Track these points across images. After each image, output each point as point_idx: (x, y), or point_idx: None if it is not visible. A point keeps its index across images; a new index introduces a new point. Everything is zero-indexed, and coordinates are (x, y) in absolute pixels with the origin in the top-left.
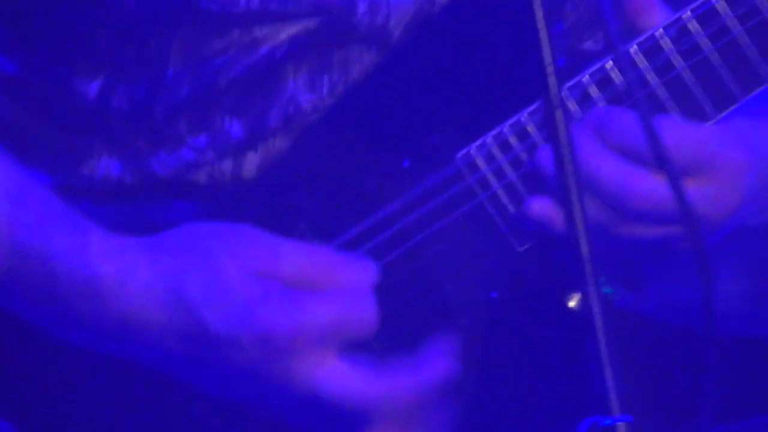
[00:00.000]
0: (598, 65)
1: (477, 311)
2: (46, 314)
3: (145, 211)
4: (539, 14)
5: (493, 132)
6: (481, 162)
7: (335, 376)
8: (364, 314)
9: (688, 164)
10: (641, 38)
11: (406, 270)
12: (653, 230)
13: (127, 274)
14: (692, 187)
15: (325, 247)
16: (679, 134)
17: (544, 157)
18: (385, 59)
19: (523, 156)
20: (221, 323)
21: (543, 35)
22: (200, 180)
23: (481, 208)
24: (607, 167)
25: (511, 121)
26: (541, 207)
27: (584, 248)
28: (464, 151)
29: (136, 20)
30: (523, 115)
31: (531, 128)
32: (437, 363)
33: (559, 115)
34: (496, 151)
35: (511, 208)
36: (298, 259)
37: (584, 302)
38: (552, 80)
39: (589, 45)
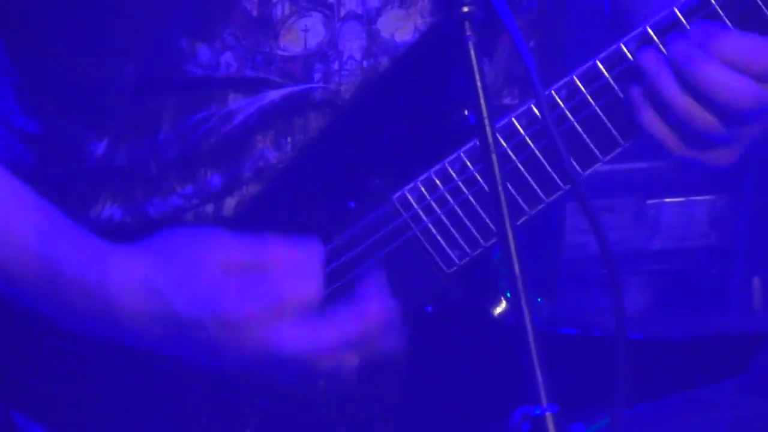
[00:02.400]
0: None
1: (415, 324)
2: (49, 308)
3: None
4: (477, 74)
5: (423, 176)
6: (413, 201)
7: (287, 336)
8: (307, 289)
9: None
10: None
11: (352, 293)
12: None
13: (113, 273)
14: None
15: (279, 238)
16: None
17: (644, 58)
18: (335, 119)
19: (448, 196)
20: (188, 310)
21: (478, 83)
22: (187, 220)
23: (414, 238)
24: (714, 70)
25: (437, 167)
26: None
27: (516, 264)
28: (399, 192)
29: (135, 90)
30: (446, 162)
31: (453, 173)
32: (370, 302)
33: (493, 150)
34: (425, 192)
35: (440, 239)
36: (253, 250)
37: (517, 310)
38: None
39: (506, 101)
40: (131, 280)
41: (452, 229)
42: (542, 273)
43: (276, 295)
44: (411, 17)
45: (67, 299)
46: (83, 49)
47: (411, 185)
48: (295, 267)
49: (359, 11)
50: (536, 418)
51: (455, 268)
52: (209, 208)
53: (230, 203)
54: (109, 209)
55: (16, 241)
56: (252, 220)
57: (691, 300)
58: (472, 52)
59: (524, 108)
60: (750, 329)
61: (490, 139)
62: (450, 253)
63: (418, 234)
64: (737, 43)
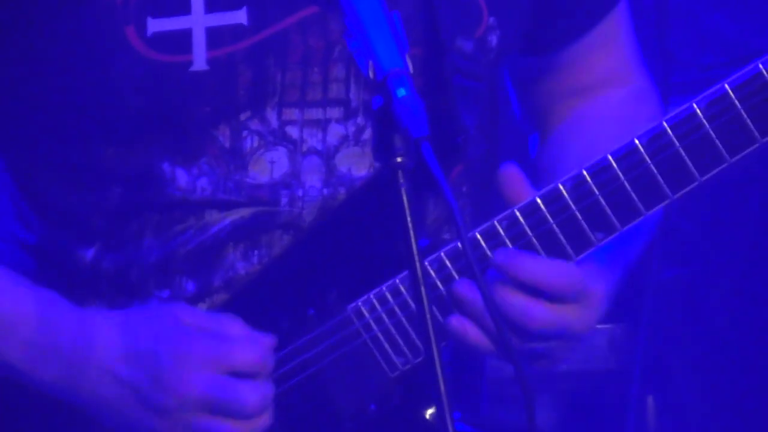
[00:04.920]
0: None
1: (360, 420)
2: (28, 365)
3: None
4: (407, 213)
5: (375, 290)
6: (365, 312)
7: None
8: (255, 354)
9: (572, 295)
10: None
11: (306, 390)
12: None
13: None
14: (574, 311)
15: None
16: (567, 273)
17: (461, 286)
18: (299, 239)
19: (396, 308)
20: (148, 344)
21: (409, 225)
22: None
23: (364, 344)
24: (512, 299)
25: (388, 283)
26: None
27: (439, 373)
28: (354, 303)
29: (120, 207)
30: (397, 279)
31: (402, 288)
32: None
33: (420, 275)
34: (377, 304)
35: (387, 346)
36: (214, 321)
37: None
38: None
39: (446, 236)
40: (109, 332)
41: (398, 338)
42: (468, 390)
43: (228, 349)
44: (366, 155)
45: (46, 361)
46: (74, 172)
47: (364, 297)
48: (248, 338)
49: (319, 147)
50: None
51: (398, 372)
52: None
53: (201, 307)
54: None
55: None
56: None
57: (594, 416)
58: (405, 198)
59: (453, 244)
60: None
61: (420, 278)
62: (395, 359)
63: (368, 341)
64: (533, 268)
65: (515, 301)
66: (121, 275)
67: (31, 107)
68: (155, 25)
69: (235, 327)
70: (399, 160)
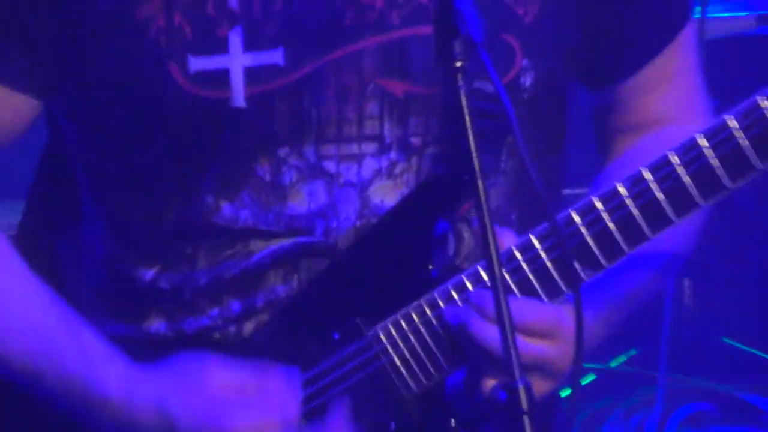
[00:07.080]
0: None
1: None
2: (78, 416)
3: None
4: (467, 114)
5: (391, 318)
6: (383, 337)
7: None
8: (288, 410)
9: (547, 331)
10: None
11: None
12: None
13: (135, 393)
14: (550, 347)
15: (262, 367)
16: (540, 313)
17: (449, 316)
18: (331, 266)
19: (410, 335)
20: (191, 428)
21: (468, 127)
22: (215, 337)
23: (383, 368)
24: (488, 331)
25: (401, 312)
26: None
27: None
28: (373, 330)
29: (174, 233)
30: (409, 309)
31: (415, 316)
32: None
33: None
34: (393, 330)
35: (402, 368)
36: (245, 374)
37: (496, 298)
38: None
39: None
40: (149, 401)
41: (412, 363)
42: None
43: (265, 412)
44: (397, 186)
45: (93, 412)
46: (137, 198)
47: (382, 324)
48: (278, 392)
49: (354, 180)
50: (512, 389)
51: (414, 393)
52: (232, 329)
53: (248, 326)
54: (156, 324)
55: (57, 363)
56: (263, 343)
57: None
58: (464, 101)
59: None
60: None
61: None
62: (409, 382)
63: (386, 364)
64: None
65: (489, 333)
66: (176, 294)
67: (101, 127)
68: (196, 63)
69: (265, 381)
70: (458, 64)
